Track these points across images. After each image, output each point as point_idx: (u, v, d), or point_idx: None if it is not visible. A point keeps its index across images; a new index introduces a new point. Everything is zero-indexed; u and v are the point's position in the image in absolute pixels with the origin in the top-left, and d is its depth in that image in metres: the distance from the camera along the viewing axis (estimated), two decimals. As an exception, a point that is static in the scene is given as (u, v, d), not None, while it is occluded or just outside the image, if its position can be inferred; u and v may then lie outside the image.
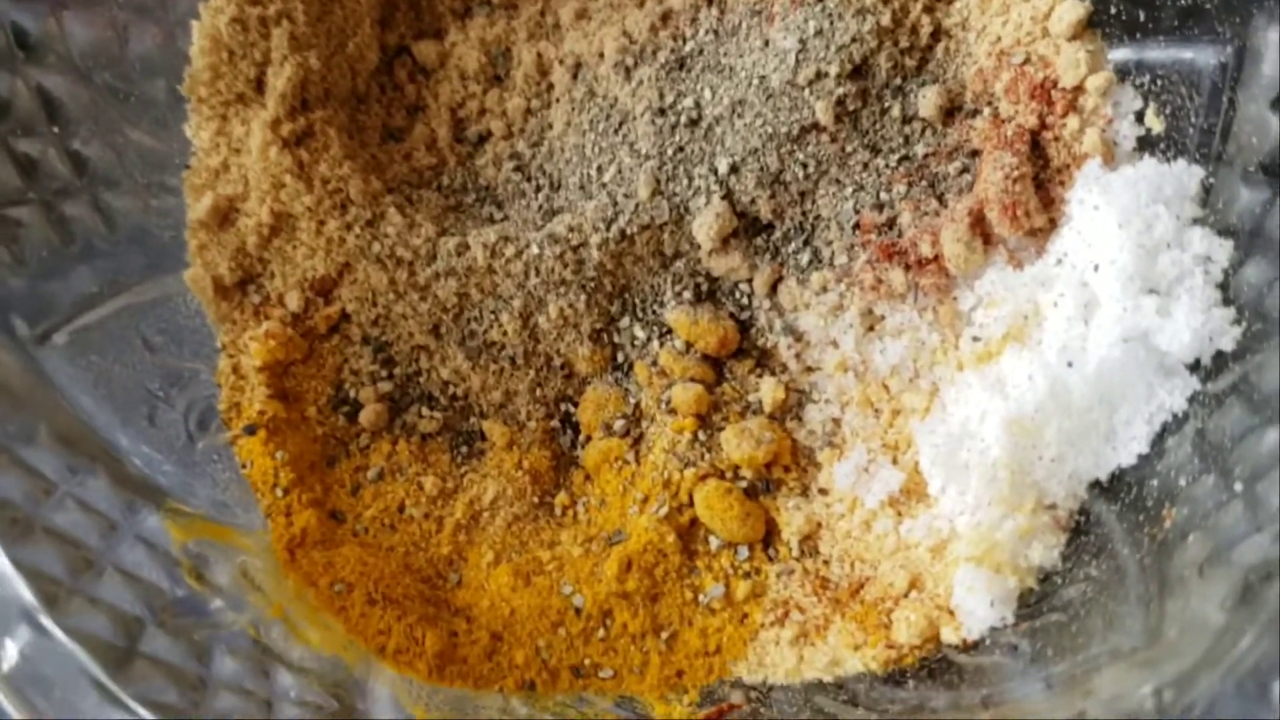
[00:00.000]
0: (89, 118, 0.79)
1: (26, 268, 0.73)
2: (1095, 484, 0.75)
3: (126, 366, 0.77)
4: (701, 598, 0.78)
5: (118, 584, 0.63)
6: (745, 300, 0.84)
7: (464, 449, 0.84)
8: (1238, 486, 0.65)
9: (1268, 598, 0.56)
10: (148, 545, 0.67)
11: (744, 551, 0.80)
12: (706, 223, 0.80)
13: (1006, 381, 0.75)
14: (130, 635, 0.60)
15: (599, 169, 0.84)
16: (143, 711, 0.56)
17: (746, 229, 0.83)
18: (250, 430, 0.79)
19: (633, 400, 0.84)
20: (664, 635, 0.77)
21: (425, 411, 0.84)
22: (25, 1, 0.73)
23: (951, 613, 0.74)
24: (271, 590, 0.73)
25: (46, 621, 0.57)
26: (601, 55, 0.86)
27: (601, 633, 0.77)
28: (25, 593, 0.58)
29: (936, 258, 0.79)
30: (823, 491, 0.81)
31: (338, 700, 0.67)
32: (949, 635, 0.73)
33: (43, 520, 0.63)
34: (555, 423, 0.85)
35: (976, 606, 0.72)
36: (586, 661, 0.77)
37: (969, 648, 0.73)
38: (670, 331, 0.84)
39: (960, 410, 0.76)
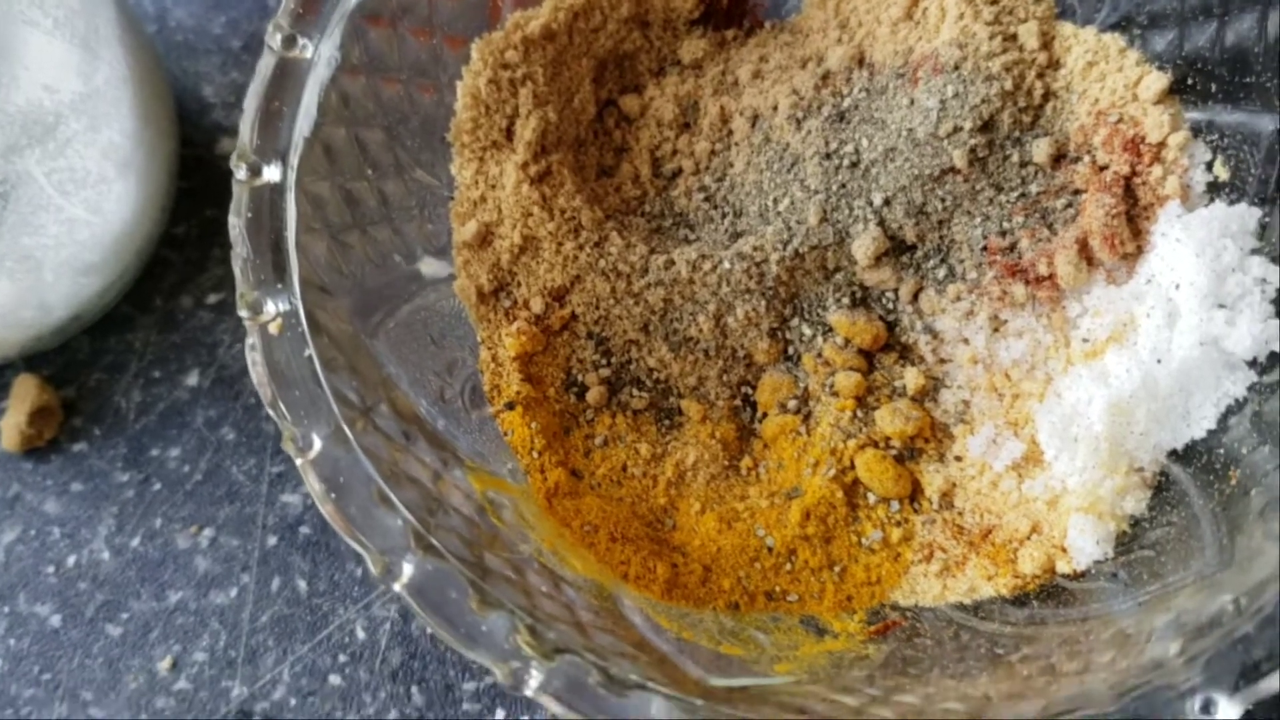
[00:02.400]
0: (389, 162, 0.93)
1: (357, 279, 0.88)
2: (1173, 452, 0.87)
3: (422, 356, 0.91)
4: (864, 541, 0.91)
5: (457, 519, 0.78)
6: (892, 306, 0.97)
7: (666, 422, 0.98)
8: None
9: None
10: (463, 493, 0.83)
11: (896, 505, 0.92)
12: (864, 245, 0.94)
13: (1109, 374, 0.87)
14: (476, 555, 0.76)
15: (775, 200, 0.97)
16: (511, 606, 0.72)
17: (895, 250, 0.96)
18: (510, 406, 0.93)
19: (801, 385, 0.96)
20: (836, 569, 0.90)
21: (635, 392, 0.98)
22: (347, 70, 0.89)
23: (1064, 550, 0.86)
24: (541, 529, 0.87)
25: (431, 540, 0.74)
26: (775, 108, 1.00)
27: (788, 566, 0.90)
28: (412, 519, 0.74)
29: (1050, 275, 0.92)
30: (958, 458, 0.93)
31: (608, 610, 0.82)
32: (1063, 567, 0.86)
33: (402, 470, 0.78)
34: (738, 402, 0.98)
35: (1085, 544, 0.85)
36: (777, 589, 0.89)
37: (1078, 576, 0.85)
38: (832, 330, 0.97)
39: (1071, 395, 0.88)
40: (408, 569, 0.74)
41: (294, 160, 0.85)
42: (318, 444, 0.77)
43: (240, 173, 0.83)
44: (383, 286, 0.91)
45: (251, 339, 0.79)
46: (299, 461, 0.77)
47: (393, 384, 0.86)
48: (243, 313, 0.80)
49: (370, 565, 0.74)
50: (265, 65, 0.86)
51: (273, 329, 0.79)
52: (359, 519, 0.75)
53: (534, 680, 0.70)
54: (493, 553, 0.79)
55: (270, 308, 0.81)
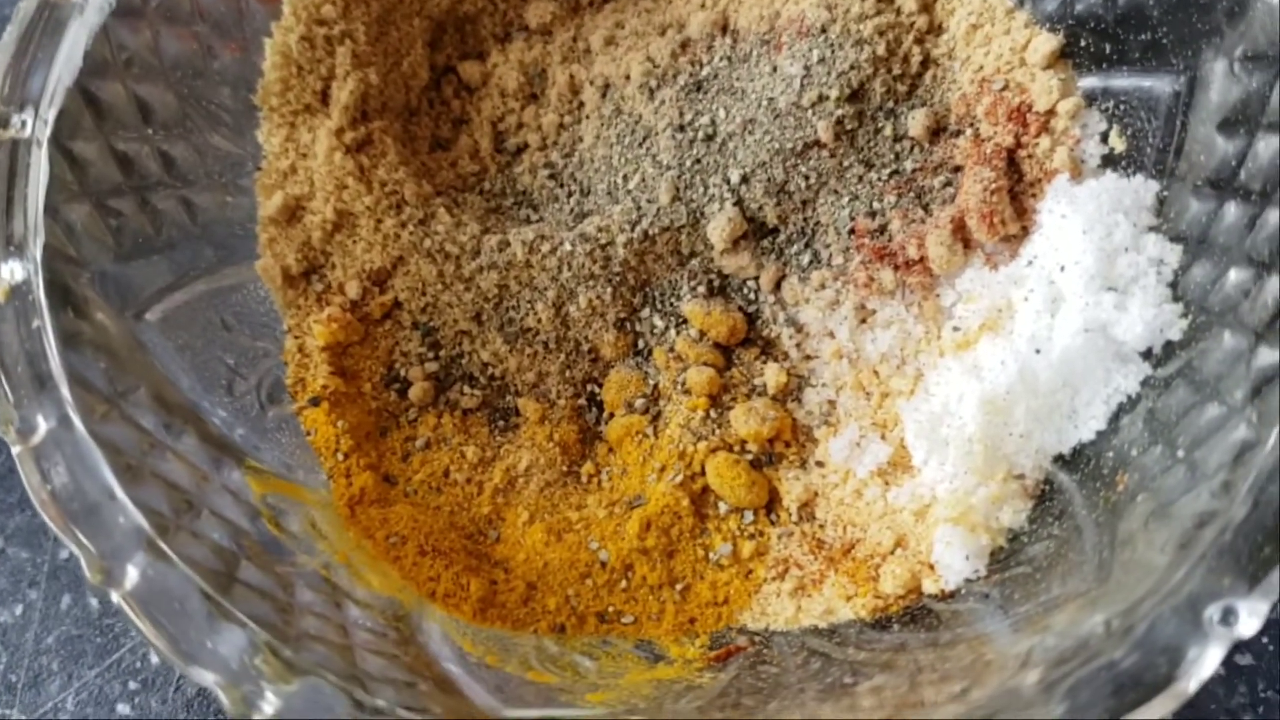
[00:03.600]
0: (176, 122, 0.84)
1: (124, 251, 0.78)
2: (1059, 457, 0.79)
3: (208, 343, 0.82)
4: (711, 555, 0.82)
5: (214, 524, 0.69)
6: (752, 295, 0.89)
7: (501, 423, 0.89)
8: (1180, 454, 0.69)
9: (1202, 539, 0.62)
10: (233, 495, 0.73)
11: (749, 516, 0.84)
12: (719, 226, 0.86)
13: (982, 366, 0.79)
14: (228, 564, 0.66)
15: (624, 177, 0.90)
16: (250, 623, 0.63)
17: (754, 232, 0.88)
18: (314, 402, 0.85)
19: (651, 382, 0.88)
20: (678, 587, 0.82)
21: (467, 389, 0.90)
22: (125, 17, 0.79)
23: (932, 567, 0.78)
24: (336, 539, 0.78)
25: (163, 545, 0.64)
26: (628, 77, 0.92)
27: (624, 584, 0.82)
28: (143, 523, 0.64)
29: (922, 259, 0.84)
30: (819, 464, 0.85)
31: (397, 631, 0.73)
32: (929, 586, 0.78)
33: (150, 466, 0.69)
34: (582, 401, 0.90)
35: (953, 561, 0.77)
36: (610, 609, 0.81)
37: (946, 597, 0.78)
38: (685, 321, 0.89)
39: (941, 392, 0.81)
40: (132, 574, 0.64)
41: (49, 114, 0.74)
42: (42, 429, 0.66)
43: (-15, 125, 0.73)
44: (163, 260, 0.82)
45: (-26, 307, 0.69)
46: (16, 450, 0.66)
47: (160, 372, 0.77)
48: (-32, 277, 0.70)
49: (85, 569, 0.63)
50: (25, 7, 0.76)
51: (-2, 297, 0.69)
52: (80, 516, 0.65)
53: (268, 706, 0.60)
54: (253, 564, 0.69)
55: (4, 273, 0.70)
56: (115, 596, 0.63)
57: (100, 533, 0.64)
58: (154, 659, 0.91)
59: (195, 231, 0.85)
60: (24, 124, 0.74)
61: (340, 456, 0.84)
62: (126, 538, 0.65)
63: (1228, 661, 0.83)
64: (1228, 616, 0.59)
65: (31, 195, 0.72)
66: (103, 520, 0.65)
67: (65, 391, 0.68)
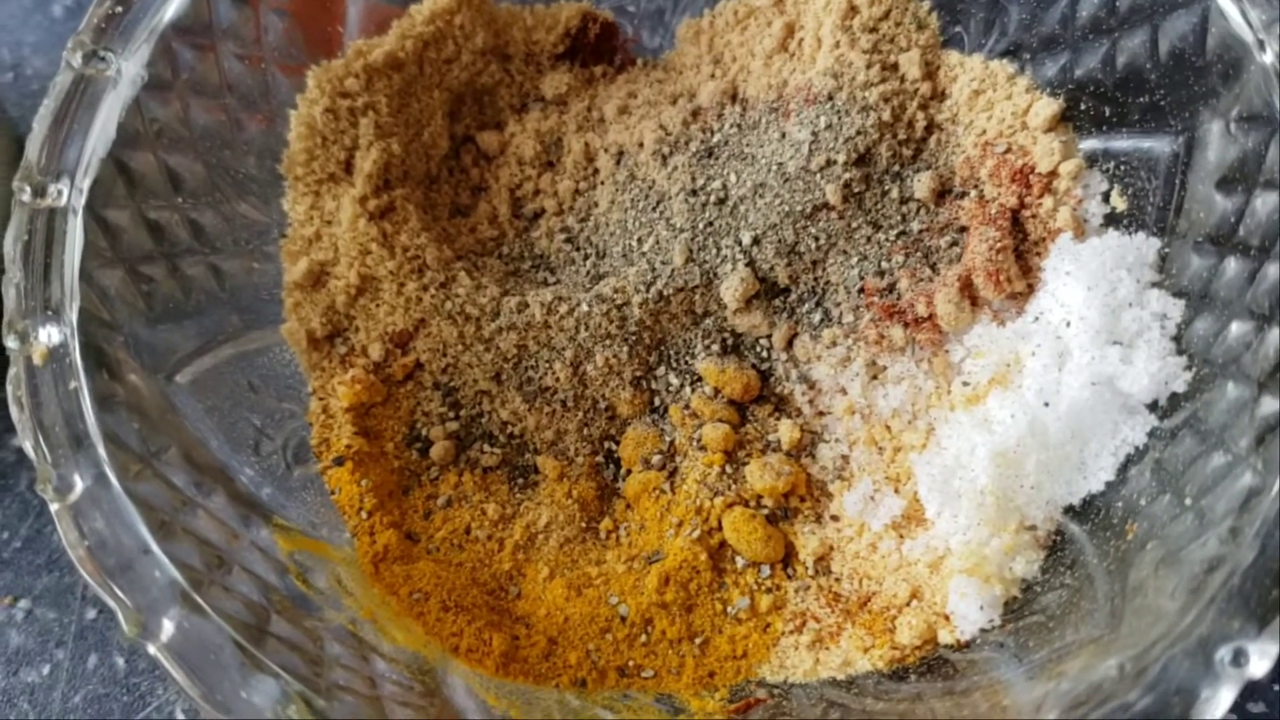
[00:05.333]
0: (205, 191, 0.86)
1: (155, 314, 0.80)
2: (1069, 508, 0.80)
3: (236, 405, 0.84)
4: (730, 609, 0.83)
5: (244, 579, 0.70)
6: (765, 353, 0.91)
7: (520, 480, 0.90)
8: (1188, 502, 0.71)
9: (1211, 584, 0.63)
10: (262, 552, 0.75)
11: (766, 570, 0.84)
12: (732, 286, 0.88)
13: (992, 420, 0.80)
14: (259, 618, 0.68)
15: (639, 240, 0.91)
16: (283, 674, 0.64)
17: (766, 292, 0.90)
18: (339, 462, 0.86)
19: (668, 439, 0.89)
20: (697, 641, 0.82)
21: (487, 448, 0.91)
22: (157, 90, 0.82)
23: (947, 618, 0.79)
24: (361, 595, 0.79)
25: (198, 599, 0.65)
26: (641, 145, 0.94)
27: (643, 638, 0.82)
28: (178, 576, 0.66)
29: (931, 317, 0.86)
30: (834, 518, 0.86)
31: (423, 684, 0.74)
32: (945, 637, 0.79)
33: (182, 523, 0.70)
34: (600, 458, 0.91)
35: (968, 612, 0.78)
36: (630, 663, 0.81)
37: (962, 647, 0.78)
38: (700, 379, 0.90)
39: (953, 445, 0.82)
40: (168, 627, 0.65)
41: (84, 183, 0.77)
42: (79, 487, 0.68)
43: (24, 194, 0.75)
44: (192, 324, 0.83)
45: (15, 369, 0.71)
46: (54, 507, 0.67)
47: (189, 431, 0.78)
48: (9, 341, 0.72)
49: (123, 622, 0.64)
50: (62, 81, 0.79)
51: (37, 359, 0.71)
52: (116, 571, 0.66)
53: (304, 755, 0.61)
54: (284, 618, 0.70)
55: (43, 337, 0.72)
56: (152, 649, 0.64)
57: (136, 587, 0.66)
58: (180, 717, 0.91)
59: (223, 296, 0.87)
60: (60, 193, 0.76)
61: (364, 515, 0.85)
62: (162, 591, 0.66)
63: (1240, 709, 0.85)
64: (1238, 658, 0.61)
65: (68, 261, 0.75)
66: (138, 575, 0.66)
67: (101, 450, 0.70)
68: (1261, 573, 0.63)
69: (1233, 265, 0.75)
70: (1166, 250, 0.82)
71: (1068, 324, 0.81)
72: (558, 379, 0.89)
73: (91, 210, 0.77)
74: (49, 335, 0.72)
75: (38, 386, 0.71)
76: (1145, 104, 0.83)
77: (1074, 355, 0.80)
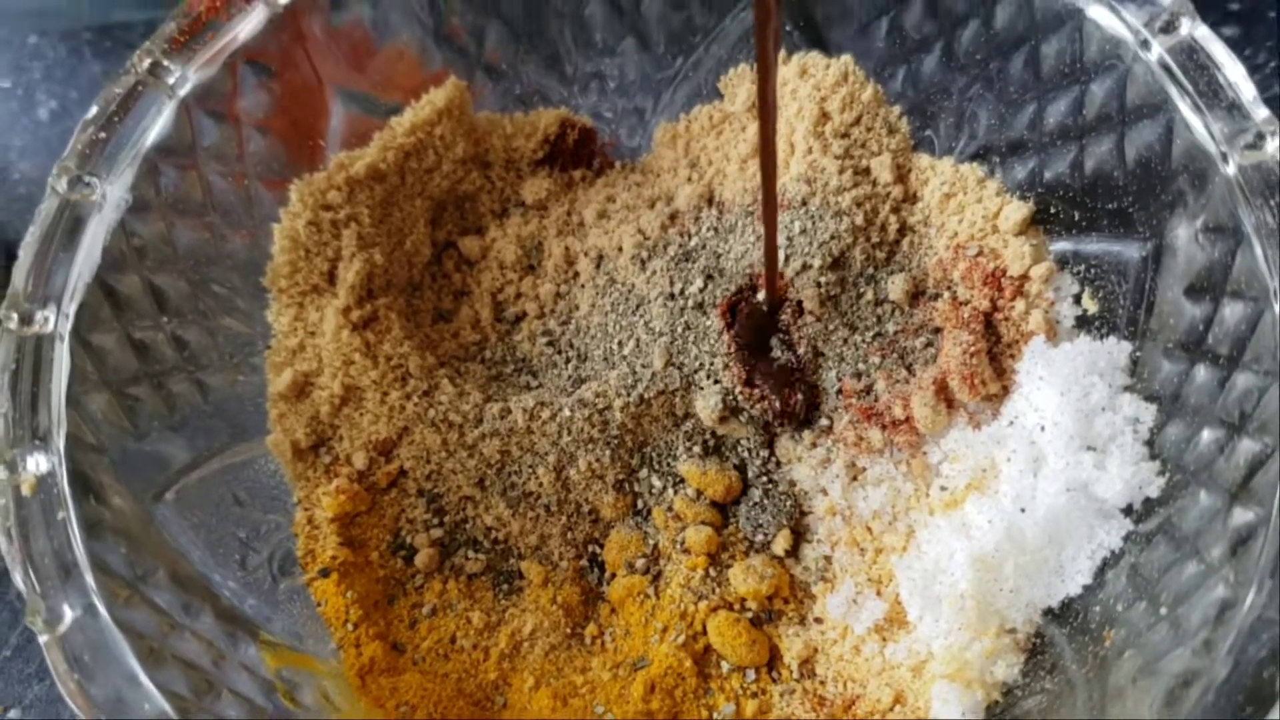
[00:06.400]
0: (190, 307, 0.87)
1: (140, 432, 0.81)
2: (1048, 611, 0.81)
3: (221, 519, 0.84)
4: (715, 715, 0.83)
5: (233, 702, 0.71)
6: (746, 454, 0.91)
7: (505, 586, 0.90)
8: (1163, 610, 0.71)
9: (1187, 698, 0.64)
10: (250, 672, 0.75)
11: (751, 674, 0.85)
12: (707, 407, 0.89)
13: (970, 525, 0.81)
14: None
15: (619, 344, 0.92)
16: None
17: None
18: (324, 573, 0.86)
19: (651, 542, 0.90)
20: None
21: (471, 554, 0.91)
22: (140, 211, 0.83)
23: None
24: (348, 710, 0.80)
25: None
26: (620, 249, 0.96)
27: None
28: (167, 708, 0.66)
29: (908, 419, 0.86)
30: (818, 620, 0.86)
31: None
32: None
33: (170, 649, 0.71)
34: (584, 562, 0.91)
35: (950, 716, 0.78)
36: None
37: None
38: (683, 481, 0.90)
39: (932, 549, 0.82)
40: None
41: (70, 308, 0.78)
42: (68, 618, 0.69)
43: (10, 321, 0.76)
44: (178, 439, 0.84)
45: (3, 500, 0.71)
46: (44, 639, 0.68)
47: (176, 550, 0.79)
48: (-2, 472, 0.72)
49: (112, 758, 0.65)
50: (47, 207, 0.80)
51: (25, 489, 0.71)
52: (106, 704, 0.66)
53: None
54: (272, 741, 0.70)
55: (31, 466, 0.73)
56: (142, 783, 0.65)
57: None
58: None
59: (208, 410, 0.88)
60: (47, 320, 0.77)
61: (350, 626, 0.85)
62: (154, 723, 0.67)
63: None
64: (1214, 775, 0.62)
65: (55, 389, 0.76)
66: (127, 707, 0.67)
67: (90, 579, 0.70)
68: (1234, 689, 0.63)
69: (1202, 372, 0.77)
70: (1138, 354, 0.83)
71: (1042, 428, 0.82)
72: (541, 484, 0.90)
73: (78, 335, 0.78)
74: (37, 464, 0.73)
75: (26, 518, 0.71)
76: (1114, 209, 0.85)
77: (1049, 461, 0.81)
